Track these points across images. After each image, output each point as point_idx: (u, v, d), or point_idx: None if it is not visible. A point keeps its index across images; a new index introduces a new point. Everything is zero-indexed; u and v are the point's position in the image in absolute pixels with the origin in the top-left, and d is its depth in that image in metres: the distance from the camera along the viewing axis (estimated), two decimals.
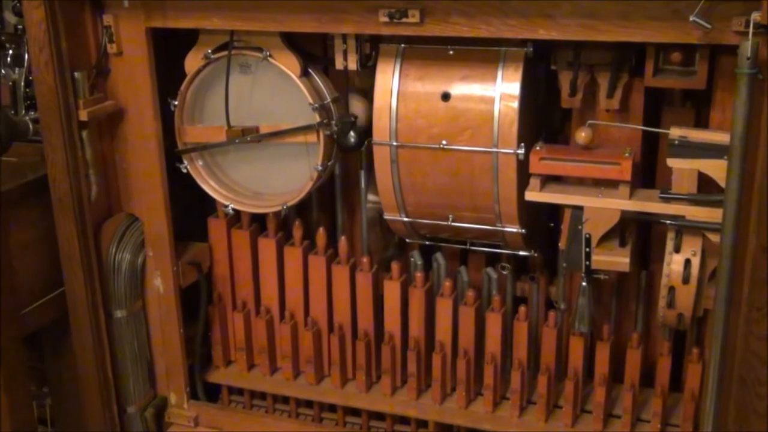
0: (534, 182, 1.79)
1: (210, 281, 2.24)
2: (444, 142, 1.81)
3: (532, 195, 1.79)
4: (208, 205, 2.19)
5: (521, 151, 1.76)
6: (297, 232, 2.14)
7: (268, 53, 1.90)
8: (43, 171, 1.94)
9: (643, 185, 1.82)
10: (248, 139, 1.99)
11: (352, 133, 1.90)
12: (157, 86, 1.97)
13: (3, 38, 2.08)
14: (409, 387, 2.11)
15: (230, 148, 2.05)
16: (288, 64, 1.90)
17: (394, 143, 1.85)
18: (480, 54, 1.78)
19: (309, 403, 2.25)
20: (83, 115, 1.90)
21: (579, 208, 1.78)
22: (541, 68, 1.83)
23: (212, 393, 2.31)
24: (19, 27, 2.02)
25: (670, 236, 1.77)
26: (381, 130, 1.85)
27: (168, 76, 2.00)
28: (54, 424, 2.35)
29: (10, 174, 1.95)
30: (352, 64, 1.87)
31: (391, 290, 2.06)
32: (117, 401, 2.14)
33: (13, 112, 2.05)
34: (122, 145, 2.03)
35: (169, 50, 2.02)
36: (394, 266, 2.06)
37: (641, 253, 1.97)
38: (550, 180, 1.81)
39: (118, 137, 2.03)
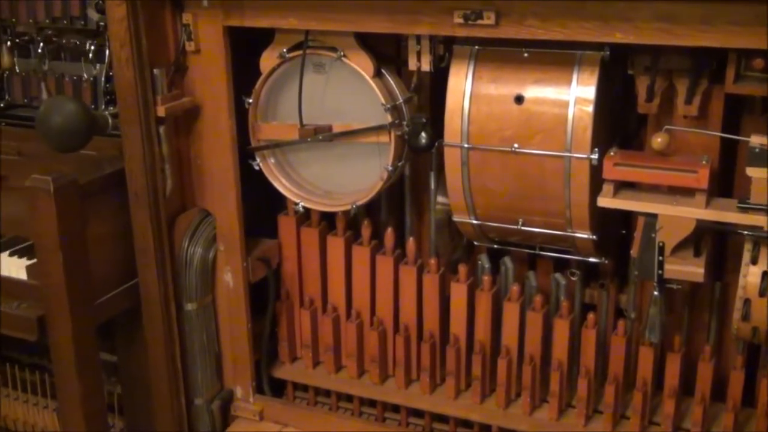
0: (607, 188, 1.76)
1: (278, 278, 2.26)
2: (516, 145, 1.80)
3: (605, 201, 1.76)
4: (278, 202, 2.21)
5: (595, 156, 1.74)
6: (365, 231, 2.14)
7: (342, 53, 1.91)
8: (121, 165, 1.99)
9: (720, 194, 1.77)
10: (320, 137, 2.00)
11: (423, 134, 1.90)
12: (233, 84, 2.00)
13: (86, 35, 2.14)
14: (473, 390, 2.10)
15: (302, 147, 2.07)
16: (361, 64, 1.91)
17: (465, 145, 1.84)
18: (555, 57, 1.76)
19: (372, 403, 2.25)
20: (161, 111, 1.95)
21: (653, 216, 1.74)
22: (617, 72, 1.80)
23: (277, 388, 2.34)
24: (102, 24, 2.08)
25: (747, 247, 1.72)
26: (452, 132, 1.85)
27: (243, 74, 2.03)
28: (123, 413, 2.40)
29: (89, 167, 2.01)
30: (426, 65, 1.87)
31: (458, 293, 2.06)
32: (185, 393, 2.18)
33: (93, 106, 2.11)
34: (197, 141, 2.07)
35: (244, 48, 2.05)
36: (462, 269, 2.05)
37: (716, 264, 1.92)
38: (623, 186, 1.77)
39: (193, 133, 2.07)
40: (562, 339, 1.99)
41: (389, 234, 2.11)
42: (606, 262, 1.95)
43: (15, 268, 2.01)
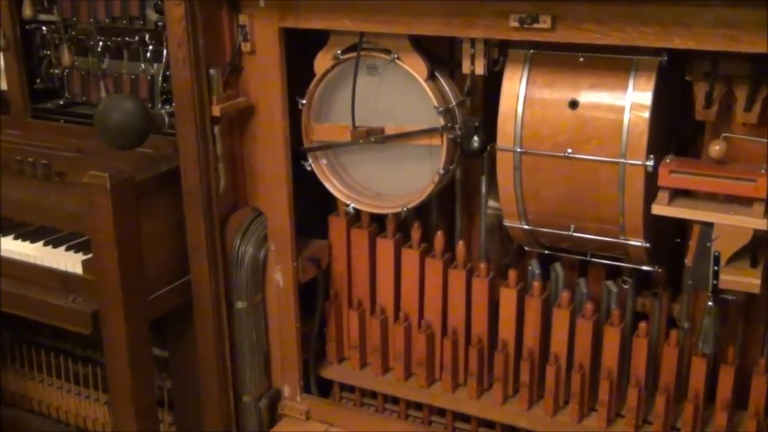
0: (662, 195, 1.73)
1: (328, 278, 2.27)
2: (569, 150, 1.78)
3: (660, 209, 1.73)
4: (329, 203, 2.22)
5: (650, 162, 1.71)
6: (415, 234, 2.14)
7: (396, 55, 1.91)
8: (176, 163, 2.01)
9: None
10: (372, 139, 2.01)
11: (475, 138, 1.89)
12: (287, 84, 2.01)
13: (144, 34, 2.18)
14: (521, 397, 2.08)
15: (354, 148, 2.08)
16: (415, 66, 1.91)
17: (518, 150, 1.83)
18: (611, 62, 1.74)
19: (419, 406, 2.25)
20: (216, 111, 1.97)
21: (709, 225, 1.71)
22: (674, 78, 1.77)
23: (324, 388, 2.35)
24: (160, 24, 2.11)
25: None
26: (505, 136, 1.84)
27: (297, 74, 2.04)
28: (172, 408, 2.44)
29: (145, 165, 2.04)
30: (480, 69, 1.86)
31: (508, 298, 2.04)
32: (233, 390, 2.20)
33: (150, 105, 2.14)
34: (251, 141, 2.09)
35: (298, 49, 2.06)
36: (512, 274, 2.04)
37: None
38: (678, 194, 1.75)
39: (247, 133, 2.09)
40: (612, 347, 1.96)
41: (439, 237, 2.11)
42: (659, 270, 1.92)
43: (71, 262, 2.06)
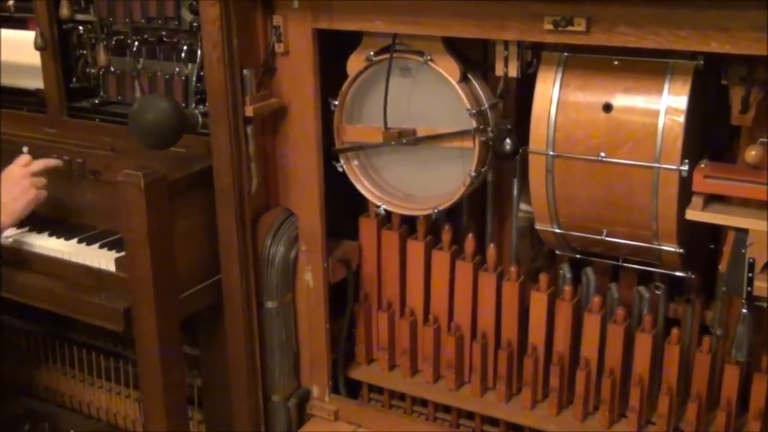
0: (696, 201, 1.71)
1: (358, 279, 2.27)
2: (602, 154, 1.77)
3: (694, 214, 1.71)
4: (360, 204, 2.22)
5: (685, 167, 1.69)
6: (446, 236, 2.14)
7: (428, 57, 1.91)
8: (209, 163, 2.03)
9: None
10: (404, 141, 2.01)
11: (508, 140, 1.88)
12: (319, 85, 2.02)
13: (179, 35, 2.19)
14: (550, 401, 2.07)
15: (385, 150, 2.08)
16: (448, 68, 1.91)
17: (551, 153, 1.82)
18: (646, 65, 1.72)
19: (447, 408, 2.24)
20: (249, 111, 1.98)
21: (743, 231, 1.69)
22: (710, 82, 1.75)
23: (353, 389, 2.35)
24: (194, 24, 2.12)
25: None
26: (538, 139, 1.83)
27: (329, 75, 2.05)
28: (202, 406, 2.45)
29: (178, 164, 2.06)
30: (513, 71, 1.85)
31: (538, 302, 2.03)
32: (263, 389, 2.21)
33: (184, 105, 2.15)
34: (283, 142, 2.10)
35: (331, 50, 2.06)
36: (542, 278, 2.03)
37: None
38: (713, 199, 1.73)
39: (279, 134, 2.10)
40: (643, 353, 1.94)
41: (470, 240, 2.10)
42: (692, 276, 1.90)
43: (104, 260, 2.08)
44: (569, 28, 1.66)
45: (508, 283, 2.07)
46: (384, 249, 2.23)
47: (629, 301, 2.01)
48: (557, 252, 2.02)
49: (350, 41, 2.01)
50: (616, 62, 1.75)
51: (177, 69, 2.20)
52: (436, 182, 2.06)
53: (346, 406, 2.28)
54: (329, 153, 2.10)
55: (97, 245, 2.16)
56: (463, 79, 1.92)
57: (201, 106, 2.13)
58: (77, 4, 2.28)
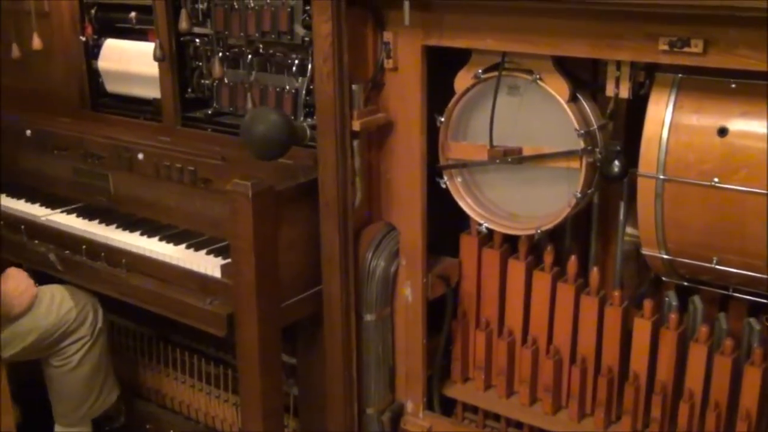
0: None
1: (456, 296, 2.27)
2: (716, 179, 1.71)
3: None
4: (461, 221, 2.22)
5: None
6: (548, 257, 2.11)
7: (538, 76, 1.90)
8: (314, 175, 2.06)
9: None
10: (509, 159, 2.00)
11: (616, 162, 1.85)
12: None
13: (291, 49, 2.24)
14: None
15: (489, 168, 2.07)
16: (557, 88, 1.89)
17: (661, 176, 1.77)
18: (765, 89, 1.67)
19: None
20: (356, 125, 2.00)
21: None
22: None
23: (447, 407, 2.34)
24: (306, 39, 2.17)
25: None
26: (648, 162, 1.79)
27: (435, 91, 2.06)
28: (297, 414, 2.48)
29: (285, 175, 2.10)
30: (624, 92, 1.82)
31: (642, 329, 1.98)
32: (358, 401, 2.23)
33: (293, 117, 2.20)
34: (388, 156, 2.12)
35: (437, 66, 2.07)
36: (647, 304, 1.98)
37: None
38: None
39: (384, 148, 2.12)
40: (752, 388, 1.87)
41: (573, 262, 2.07)
42: None
43: (211, 266, 2.13)
44: (685, 49, 1.62)
45: (610, 307, 2.02)
46: (484, 267, 2.21)
47: (738, 333, 1.94)
48: (663, 278, 1.96)
49: (457, 57, 2.01)
50: (733, 85, 1.70)
51: (288, 82, 2.25)
52: (540, 202, 2.04)
53: (439, 423, 2.27)
54: (433, 169, 2.11)
55: (204, 251, 2.22)
56: (572, 99, 1.90)
57: (309, 119, 2.17)
58: (195, 18, 2.36)
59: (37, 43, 2.67)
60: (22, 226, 2.54)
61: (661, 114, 1.77)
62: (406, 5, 1.93)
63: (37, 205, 2.64)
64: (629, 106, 1.95)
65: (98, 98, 2.74)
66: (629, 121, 1.98)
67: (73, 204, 2.63)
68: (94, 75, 2.72)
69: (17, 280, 2.37)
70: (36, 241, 2.50)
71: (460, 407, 2.33)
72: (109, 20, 2.66)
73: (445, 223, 2.23)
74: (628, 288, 2.08)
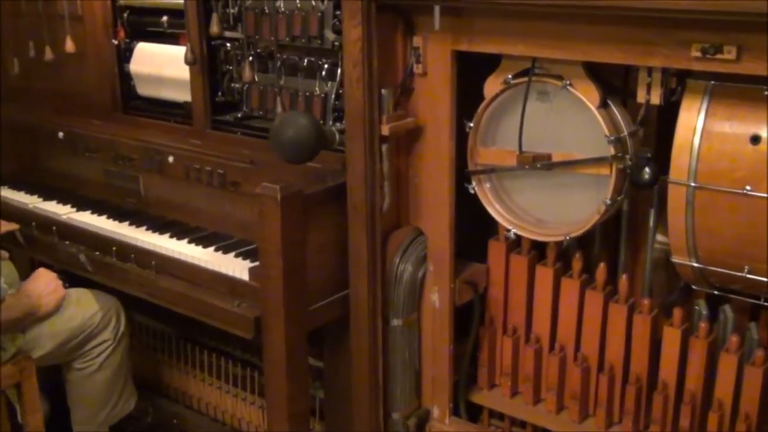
0: None
1: (484, 302, 2.26)
2: (748, 187, 1.70)
3: None
4: (489, 226, 2.21)
5: None
6: (576, 264, 2.10)
7: (568, 82, 1.89)
8: (343, 179, 2.06)
9: None
10: (538, 165, 1.99)
11: (647, 169, 1.83)
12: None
13: (321, 53, 2.25)
14: None
15: (518, 174, 2.06)
16: (587, 94, 1.88)
17: (692, 184, 1.76)
18: None
19: None
20: (385, 130, 2.00)
21: None
22: None
23: (473, 413, 2.33)
24: (336, 44, 2.18)
25: None
26: (679, 169, 1.77)
27: (464, 97, 2.05)
28: (323, 417, 2.49)
29: (313, 179, 2.10)
30: (656, 99, 1.81)
31: (671, 337, 1.96)
32: (383, 405, 2.22)
33: (322, 121, 2.21)
34: (416, 162, 2.11)
35: (467, 71, 2.07)
36: (677, 312, 1.96)
37: None
38: None
39: (413, 153, 2.11)
40: None
41: (601, 269, 2.05)
42: None
43: (239, 269, 2.15)
44: (718, 56, 1.60)
45: (639, 315, 2.01)
46: (512, 273, 2.20)
47: None
48: (693, 287, 1.94)
49: (486, 62, 2.00)
50: (766, 92, 1.68)
51: (317, 86, 2.26)
52: (569, 209, 2.03)
53: (465, 430, 2.26)
54: (461, 174, 2.10)
55: (233, 254, 2.23)
56: (603, 105, 1.89)
57: (338, 124, 2.17)
58: (226, 22, 2.38)
59: (70, 46, 2.71)
60: (54, 227, 2.57)
61: (693, 121, 1.75)
62: (437, 10, 1.93)
63: (68, 206, 2.67)
64: (660, 113, 1.93)
65: (129, 101, 2.77)
66: (660, 127, 1.96)
67: (104, 205, 2.66)
68: (125, 78, 2.75)
69: (47, 280, 2.40)
70: (67, 242, 2.53)
71: (486, 413, 2.32)
72: (141, 24, 2.70)
73: (473, 228, 2.22)
74: (658, 296, 2.06)
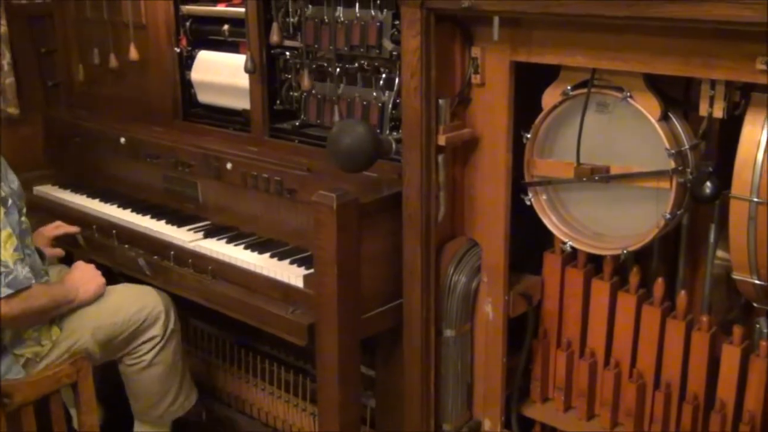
0: None
1: (538, 315, 2.24)
2: None
3: None
4: (545, 238, 2.19)
5: None
6: (633, 278, 2.07)
7: (628, 94, 1.86)
8: (398, 188, 2.07)
9: None
10: (596, 178, 1.97)
11: (708, 184, 1.80)
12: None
13: (379, 63, 2.26)
14: None
15: (575, 186, 2.04)
16: (648, 106, 1.85)
17: (755, 199, 1.72)
18: None
19: None
20: (441, 140, 2.00)
21: None
22: None
23: (525, 426, 2.30)
24: (394, 54, 2.19)
25: None
26: (742, 184, 1.73)
27: (521, 107, 2.04)
28: (374, 426, 2.49)
29: (369, 188, 2.11)
30: (718, 112, 1.77)
31: (730, 355, 1.92)
32: (435, 416, 2.22)
33: (378, 130, 2.21)
34: (472, 172, 2.11)
35: (524, 82, 2.06)
36: (737, 330, 1.92)
37: None
38: None
39: (469, 164, 2.11)
40: None
41: (659, 284, 2.02)
42: None
43: (294, 276, 2.16)
44: None
45: (698, 332, 1.97)
46: (567, 286, 2.18)
47: None
48: (755, 304, 1.90)
49: (544, 73, 1.99)
50: None
51: (374, 96, 2.27)
52: (627, 222, 2.00)
53: None
54: (518, 186, 2.09)
55: (288, 261, 2.25)
56: (663, 118, 1.86)
57: (395, 133, 2.18)
58: (286, 31, 2.41)
59: (133, 53, 2.78)
60: (114, 231, 2.62)
61: (757, 135, 1.71)
62: (496, 21, 1.93)
63: (128, 211, 2.73)
64: (722, 126, 1.90)
65: (190, 108, 2.82)
66: (722, 141, 1.92)
67: (163, 210, 2.70)
68: (186, 86, 2.80)
69: (83, 271, 2.47)
70: (126, 246, 2.58)
71: (538, 427, 2.30)
72: (203, 32, 2.74)
73: (528, 240, 2.21)
74: (717, 313, 2.02)
